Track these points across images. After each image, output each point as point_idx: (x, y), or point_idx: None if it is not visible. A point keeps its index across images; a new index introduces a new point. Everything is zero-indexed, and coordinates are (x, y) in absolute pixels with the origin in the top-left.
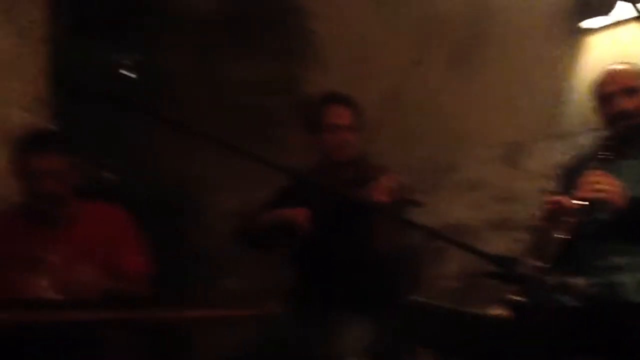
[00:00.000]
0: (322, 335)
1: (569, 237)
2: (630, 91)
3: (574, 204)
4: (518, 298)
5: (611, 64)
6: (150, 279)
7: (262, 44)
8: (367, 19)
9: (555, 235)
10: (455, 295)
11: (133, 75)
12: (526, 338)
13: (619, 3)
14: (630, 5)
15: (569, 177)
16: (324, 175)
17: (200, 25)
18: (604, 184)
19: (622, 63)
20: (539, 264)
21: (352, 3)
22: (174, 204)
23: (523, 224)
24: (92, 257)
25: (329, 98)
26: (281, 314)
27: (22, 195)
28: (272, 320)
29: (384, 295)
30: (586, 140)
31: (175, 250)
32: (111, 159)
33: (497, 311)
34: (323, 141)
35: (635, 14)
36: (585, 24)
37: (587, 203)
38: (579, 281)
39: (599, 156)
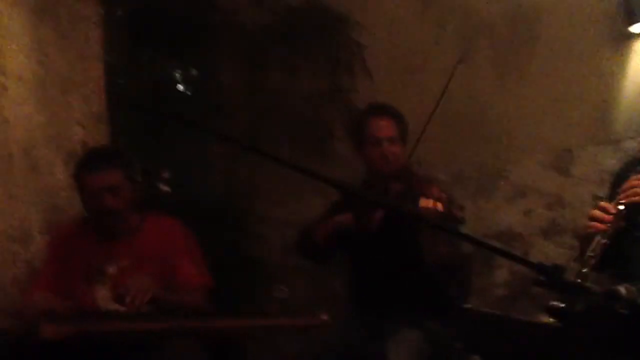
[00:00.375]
0: (375, 344)
1: (613, 241)
2: None
3: (616, 208)
4: (563, 306)
5: None
6: (207, 289)
7: (311, 56)
8: (413, 27)
9: (600, 240)
10: (506, 303)
11: (188, 90)
12: (576, 345)
13: None
14: None
15: (618, 182)
16: (371, 188)
17: (251, 39)
18: None
19: None
20: (586, 270)
21: (398, 12)
22: (228, 214)
23: (573, 231)
24: (151, 268)
25: (372, 110)
26: (334, 323)
27: (83, 210)
28: (325, 330)
29: (436, 304)
30: (636, 145)
31: (229, 261)
32: (167, 172)
33: (548, 318)
34: (368, 154)
35: None
36: (633, 28)
37: (624, 208)
38: (627, 288)
39: None
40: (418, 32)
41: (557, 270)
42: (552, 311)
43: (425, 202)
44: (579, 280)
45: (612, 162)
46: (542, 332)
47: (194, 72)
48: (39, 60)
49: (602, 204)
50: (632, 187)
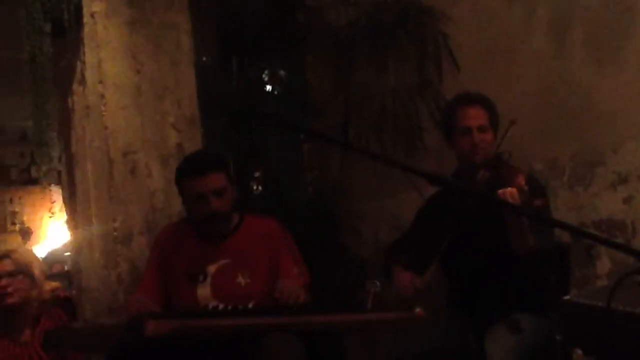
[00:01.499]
0: (472, 337)
1: None
2: None
3: None
4: None
5: None
6: (309, 289)
7: (397, 49)
8: (501, 14)
9: None
10: (608, 294)
11: (277, 90)
12: None
13: None
14: None
15: None
16: (462, 179)
17: (337, 36)
18: None
19: None
20: None
21: (484, 0)
22: (321, 211)
23: None
24: (251, 267)
25: (461, 99)
26: (429, 317)
27: (180, 210)
28: (422, 324)
29: (534, 296)
30: None
31: (324, 256)
32: (259, 171)
33: None
34: (458, 144)
35: None
36: None
37: None
38: None
39: None
40: (506, 19)
41: None
42: None
43: (503, 191)
44: None
45: None
46: None
47: (281, 72)
48: (133, 68)
49: None
50: None
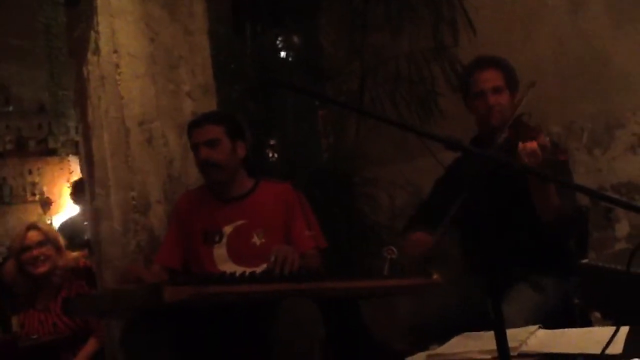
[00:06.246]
0: (490, 302)
1: None
2: None
3: None
4: None
5: None
6: (322, 252)
7: (411, 13)
8: None
9: None
10: (626, 257)
11: (290, 57)
12: None
13: None
14: None
15: None
16: (481, 143)
17: (352, 1)
18: None
19: None
20: None
21: None
22: (336, 177)
23: None
24: (266, 227)
25: (475, 63)
26: (446, 282)
27: (201, 179)
28: (440, 289)
29: (552, 260)
30: None
31: (340, 223)
32: (274, 139)
33: None
34: (475, 107)
35: None
36: None
37: None
38: None
39: None
40: None
41: None
42: None
43: (523, 146)
44: None
45: None
46: None
47: (295, 38)
48: (147, 37)
49: None
50: None
